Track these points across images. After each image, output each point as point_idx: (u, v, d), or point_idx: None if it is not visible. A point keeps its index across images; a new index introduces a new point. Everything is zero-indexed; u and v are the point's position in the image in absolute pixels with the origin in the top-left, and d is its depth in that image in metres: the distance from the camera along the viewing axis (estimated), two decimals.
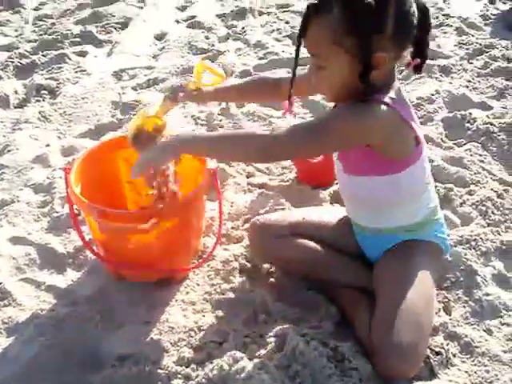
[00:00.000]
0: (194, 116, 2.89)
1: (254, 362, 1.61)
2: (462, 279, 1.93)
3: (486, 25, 3.77)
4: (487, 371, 1.67)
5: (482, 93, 3.03)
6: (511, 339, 1.76)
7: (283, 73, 1.99)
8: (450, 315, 1.84)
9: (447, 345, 1.72)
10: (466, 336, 1.75)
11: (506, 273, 1.98)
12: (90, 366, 1.71)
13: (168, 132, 1.89)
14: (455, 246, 2.01)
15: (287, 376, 1.57)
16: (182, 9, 4.31)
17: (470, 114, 2.78)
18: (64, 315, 1.87)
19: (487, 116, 2.78)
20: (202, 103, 2.22)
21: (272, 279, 1.96)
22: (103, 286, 1.99)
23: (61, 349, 1.77)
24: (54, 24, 4.08)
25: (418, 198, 1.75)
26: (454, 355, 1.71)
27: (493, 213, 2.20)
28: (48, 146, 2.78)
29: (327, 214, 2.01)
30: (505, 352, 1.72)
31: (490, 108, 2.89)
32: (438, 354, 1.70)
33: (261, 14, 4.10)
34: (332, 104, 1.78)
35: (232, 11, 4.13)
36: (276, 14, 4.05)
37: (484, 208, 2.21)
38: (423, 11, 1.52)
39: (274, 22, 3.94)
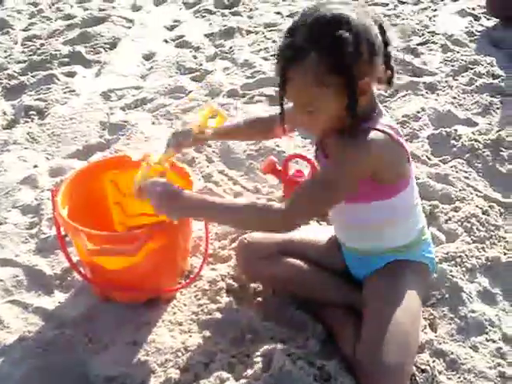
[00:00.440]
0: None
1: (241, 382, 1.62)
2: (447, 296, 1.95)
3: (471, 41, 3.80)
4: None
5: (467, 109, 3.06)
6: (497, 356, 1.78)
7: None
8: (435, 332, 1.85)
9: (433, 362, 1.74)
10: (452, 353, 1.76)
11: (491, 289, 2.00)
12: None
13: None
14: (441, 263, 2.03)
15: None
16: (171, 28, 4.33)
17: (456, 130, 2.80)
18: (51, 337, 1.88)
19: (472, 133, 2.81)
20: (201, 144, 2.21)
21: (259, 299, 1.96)
22: (90, 307, 1.99)
23: (48, 371, 1.78)
24: (42, 44, 4.09)
25: (408, 219, 1.77)
26: (440, 372, 1.72)
27: (478, 229, 2.21)
28: (36, 167, 2.78)
29: (314, 232, 2.03)
30: (490, 368, 1.74)
31: (476, 124, 2.92)
32: (423, 371, 1.71)
33: (248, 33, 4.13)
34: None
35: (220, 30, 4.16)
36: (263, 33, 4.07)
37: (469, 224, 2.23)
38: (381, 27, 1.55)
39: (262, 41, 3.97)
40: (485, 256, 2.09)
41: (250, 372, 1.66)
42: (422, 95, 3.20)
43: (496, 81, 3.28)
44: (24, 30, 4.41)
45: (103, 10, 4.65)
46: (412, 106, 3.06)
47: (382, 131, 1.54)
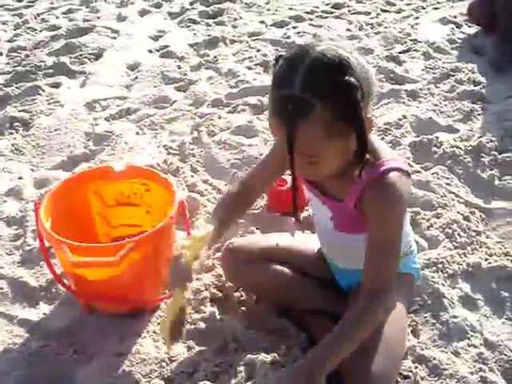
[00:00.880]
0: (166, 146, 2.91)
1: None
2: (429, 302, 1.97)
3: (452, 49, 3.84)
4: None
5: (448, 116, 3.09)
6: (478, 361, 1.79)
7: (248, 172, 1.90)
8: (417, 338, 1.87)
9: (415, 368, 1.75)
10: (434, 359, 1.78)
11: (473, 295, 2.02)
12: None
13: None
14: (422, 269, 2.04)
15: None
16: (155, 38, 4.34)
17: (437, 137, 2.83)
18: (36, 349, 1.89)
19: (454, 139, 2.83)
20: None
21: (243, 308, 1.98)
22: (75, 318, 2.00)
23: (34, 382, 1.78)
24: (27, 56, 4.09)
25: (402, 238, 1.76)
26: (423, 378, 1.74)
27: (459, 235, 2.24)
28: (21, 178, 2.78)
29: (302, 240, 2.03)
30: (472, 373, 1.75)
31: (457, 131, 2.94)
32: (406, 377, 1.73)
33: (232, 42, 4.14)
34: None
35: (204, 40, 4.16)
36: (248, 43, 4.09)
37: (450, 231, 2.25)
38: None
39: (246, 51, 3.98)
40: (466, 262, 2.12)
41: (233, 381, 1.67)
42: (404, 103, 3.22)
43: (477, 87, 3.31)
44: (9, 41, 4.40)
45: (88, 20, 4.64)
46: (394, 114, 3.09)
47: (399, 169, 1.53)
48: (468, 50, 3.83)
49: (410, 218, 2.27)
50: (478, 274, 2.09)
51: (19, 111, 3.35)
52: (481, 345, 1.84)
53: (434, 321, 1.91)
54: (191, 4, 4.90)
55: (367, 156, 1.44)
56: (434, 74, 3.51)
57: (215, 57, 3.92)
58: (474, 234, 2.26)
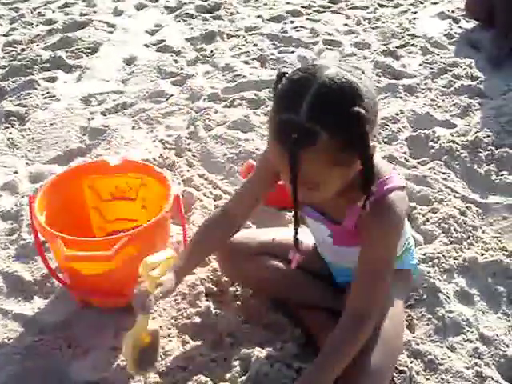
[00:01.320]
0: (162, 140, 2.90)
1: None
2: (425, 297, 1.97)
3: (450, 43, 3.84)
4: None
5: (445, 111, 3.08)
6: (474, 356, 1.80)
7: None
8: (413, 333, 1.87)
9: (411, 363, 1.75)
10: (430, 353, 1.78)
11: (469, 289, 2.02)
12: None
13: None
14: (418, 264, 2.03)
15: None
16: (152, 33, 4.32)
17: (434, 132, 2.83)
18: (31, 343, 1.89)
19: (451, 134, 2.83)
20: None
21: (238, 302, 1.97)
22: (70, 312, 2.00)
23: (28, 377, 1.78)
24: (23, 50, 4.07)
25: (402, 239, 1.74)
26: (418, 373, 1.74)
27: (455, 230, 2.24)
28: (16, 172, 2.77)
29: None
30: (467, 368, 1.75)
31: (454, 126, 2.94)
32: (401, 372, 1.72)
33: (229, 37, 4.13)
34: None
35: (201, 35, 4.15)
36: (244, 37, 4.08)
37: (447, 226, 2.25)
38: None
39: (243, 45, 3.97)
40: (462, 257, 2.12)
41: (228, 375, 1.67)
42: (401, 97, 3.22)
43: (474, 82, 3.31)
44: (5, 36, 4.37)
45: (84, 14, 4.62)
46: (391, 109, 3.08)
47: (398, 187, 1.52)
48: (466, 44, 3.83)
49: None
50: (474, 269, 2.09)
51: (15, 105, 3.34)
52: (476, 340, 1.84)
53: (430, 315, 1.91)
54: None
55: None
56: (431, 68, 3.50)
57: (212, 51, 3.91)
58: (470, 228, 2.26)
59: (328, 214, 1.66)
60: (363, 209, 1.41)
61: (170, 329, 1.89)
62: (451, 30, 4.04)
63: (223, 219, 1.79)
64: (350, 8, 4.54)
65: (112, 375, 1.76)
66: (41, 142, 3.02)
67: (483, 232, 2.26)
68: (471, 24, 4.11)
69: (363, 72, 1.40)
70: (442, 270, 2.07)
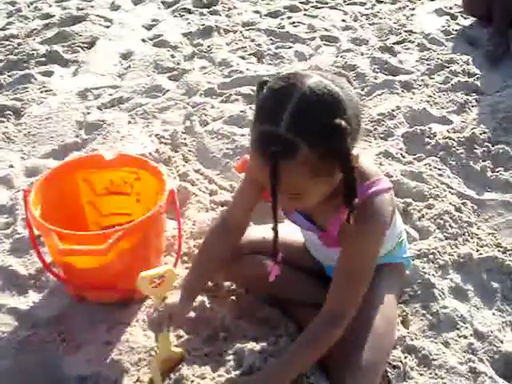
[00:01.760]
0: (158, 135, 2.89)
1: (214, 380, 1.63)
2: (419, 292, 1.97)
3: (447, 40, 3.83)
4: (444, 383, 1.70)
5: (442, 107, 3.08)
6: (468, 351, 1.80)
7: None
8: (407, 328, 1.87)
9: (405, 358, 1.76)
10: (424, 349, 1.78)
11: (463, 285, 2.02)
12: None
13: None
14: (413, 260, 2.04)
15: None
16: (149, 27, 4.31)
17: (430, 128, 2.83)
18: (25, 337, 1.89)
19: (447, 130, 2.83)
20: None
21: (232, 297, 1.97)
22: (64, 307, 1.99)
23: (22, 372, 1.78)
24: (20, 44, 4.05)
25: (392, 235, 1.75)
26: (412, 368, 1.74)
27: (451, 226, 2.24)
28: (12, 166, 2.76)
29: (290, 232, 1.96)
30: (461, 364, 1.76)
31: (450, 122, 2.94)
32: (395, 367, 1.73)
33: (226, 32, 4.12)
34: None
35: (198, 30, 4.14)
36: (241, 32, 4.07)
37: (442, 221, 2.25)
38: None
39: (240, 40, 3.96)
40: (457, 253, 2.12)
41: (222, 370, 1.67)
42: (398, 93, 3.22)
43: (471, 79, 3.31)
44: (1, 29, 4.36)
45: (81, 9, 4.60)
46: (387, 105, 3.08)
47: (381, 190, 1.51)
48: (463, 41, 3.83)
49: (401, 209, 2.28)
50: (468, 265, 2.09)
51: (11, 99, 3.33)
52: (471, 335, 1.84)
53: (424, 311, 1.91)
54: None
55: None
56: (428, 65, 3.50)
57: (209, 46, 3.90)
58: (465, 225, 2.26)
59: (315, 220, 1.66)
60: (347, 222, 1.40)
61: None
62: (449, 26, 4.03)
63: (224, 229, 1.79)
64: (348, 4, 4.53)
65: (106, 369, 1.75)
66: (36, 137, 3.01)
67: (478, 228, 2.26)
68: (469, 21, 4.11)
69: (348, 79, 1.41)
70: (436, 265, 2.07)
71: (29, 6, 4.77)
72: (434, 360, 1.76)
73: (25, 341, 1.87)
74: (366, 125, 2.90)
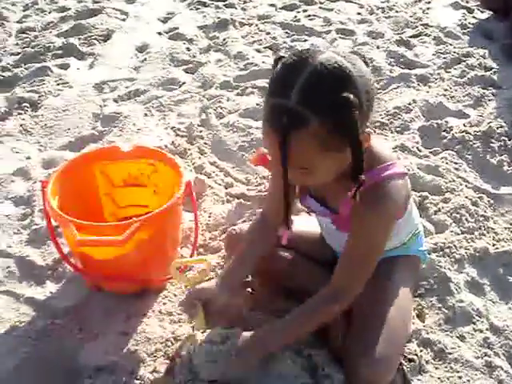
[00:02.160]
0: (174, 127, 2.91)
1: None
2: (435, 286, 1.97)
3: (464, 34, 3.81)
4: (460, 377, 1.70)
5: (458, 101, 3.07)
6: (483, 345, 1.79)
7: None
8: (423, 322, 1.87)
9: (420, 351, 1.76)
10: (439, 342, 1.78)
11: (479, 280, 2.01)
12: (68, 377, 1.74)
13: None
14: (429, 254, 2.04)
15: None
16: (164, 20, 4.32)
17: (447, 122, 2.82)
18: (43, 327, 1.91)
19: (463, 124, 2.82)
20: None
21: (248, 289, 1.97)
22: (81, 297, 2.01)
23: (39, 361, 1.80)
24: (36, 37, 4.08)
25: (405, 227, 1.76)
26: (427, 362, 1.74)
27: (467, 220, 2.23)
28: (29, 158, 2.79)
29: (305, 224, 2.00)
30: (477, 358, 1.75)
31: (467, 116, 2.93)
32: (410, 360, 1.73)
33: (242, 25, 4.13)
34: None
35: (213, 23, 4.15)
36: (257, 25, 4.07)
37: (458, 215, 2.24)
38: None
39: (256, 33, 3.96)
40: (473, 247, 2.11)
41: None
42: (414, 87, 3.21)
43: (488, 73, 3.29)
44: (18, 22, 4.39)
45: (97, 2, 4.63)
46: (403, 98, 3.07)
47: (394, 174, 1.51)
48: (479, 35, 3.81)
49: (417, 202, 2.27)
50: (485, 259, 2.08)
51: (28, 92, 3.35)
52: (486, 329, 1.84)
53: (440, 305, 1.91)
54: None
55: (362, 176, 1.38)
56: (444, 58, 3.48)
57: (224, 39, 3.91)
58: (481, 219, 2.25)
59: (328, 204, 1.66)
60: (353, 198, 1.40)
61: (180, 314, 1.90)
62: (465, 20, 4.01)
63: (263, 225, 1.82)
64: None
65: (122, 359, 1.77)
66: (53, 129, 3.03)
67: (495, 222, 2.26)
68: (485, 14, 4.09)
69: (363, 58, 1.42)
70: (453, 259, 2.07)
71: (45, 0, 4.79)
72: (449, 354, 1.75)
73: (43, 330, 1.89)
74: (382, 118, 2.89)
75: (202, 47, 3.83)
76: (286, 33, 3.94)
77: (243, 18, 4.21)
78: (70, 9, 4.50)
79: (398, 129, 2.83)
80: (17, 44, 4.03)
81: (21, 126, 3.05)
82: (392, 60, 3.48)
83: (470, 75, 3.26)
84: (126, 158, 2.14)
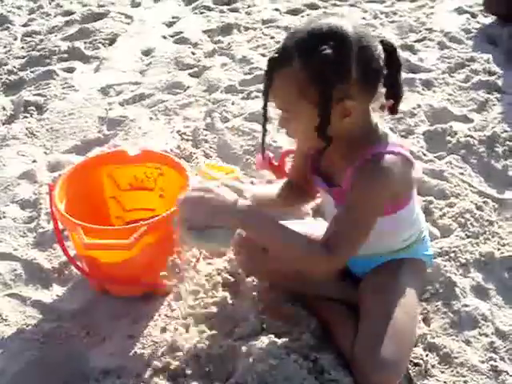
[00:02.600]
0: (179, 131, 2.92)
1: (236, 374, 1.64)
2: (441, 291, 1.96)
3: (467, 38, 3.81)
4: (465, 382, 1.70)
5: (463, 106, 3.07)
6: (489, 350, 1.79)
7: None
8: (429, 326, 1.87)
9: (426, 356, 1.76)
10: (445, 347, 1.78)
11: (485, 284, 2.01)
12: (75, 380, 1.74)
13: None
14: (435, 258, 2.04)
15: None
16: (169, 25, 4.34)
17: (451, 127, 2.82)
18: (49, 330, 1.91)
19: (468, 129, 2.82)
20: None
21: (255, 293, 1.97)
22: (88, 300, 2.02)
23: (46, 363, 1.80)
24: (42, 40, 4.10)
25: (411, 226, 1.78)
26: (433, 366, 1.74)
27: (472, 225, 2.23)
28: (35, 161, 2.80)
29: (311, 228, 1.99)
30: (483, 362, 1.75)
31: (471, 121, 2.93)
32: (416, 365, 1.73)
33: (246, 29, 4.13)
34: None
35: (218, 27, 4.16)
36: (261, 30, 4.08)
37: (463, 220, 2.24)
38: (390, 51, 1.54)
39: (260, 38, 3.97)
40: (479, 251, 2.11)
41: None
42: (418, 92, 3.21)
43: (492, 78, 3.29)
44: (23, 26, 4.41)
45: (102, 6, 4.64)
46: (408, 103, 3.07)
47: (397, 153, 1.54)
48: (483, 40, 3.79)
49: (423, 207, 2.28)
50: (490, 264, 2.08)
51: (33, 95, 3.37)
52: (492, 334, 1.84)
53: (446, 309, 1.91)
54: None
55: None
56: (449, 63, 3.48)
57: (229, 43, 3.91)
58: (486, 223, 2.25)
59: (334, 182, 1.69)
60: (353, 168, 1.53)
61: (186, 318, 1.90)
62: (469, 24, 4.00)
63: (288, 186, 1.93)
64: (367, 2, 4.51)
65: (129, 363, 1.77)
66: (59, 132, 3.04)
67: (499, 227, 2.26)
68: (489, 19, 4.08)
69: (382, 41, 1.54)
70: (458, 264, 2.07)
71: (50, 3, 4.82)
72: (455, 358, 1.75)
73: (49, 333, 1.90)
74: (387, 123, 2.90)
75: (206, 51, 3.84)
76: None
77: (248, 23, 4.22)
78: (75, 12, 4.52)
79: (402, 133, 2.83)
80: (22, 47, 4.05)
81: (27, 129, 3.06)
82: None
83: (474, 80, 3.26)
84: (132, 162, 2.15)
